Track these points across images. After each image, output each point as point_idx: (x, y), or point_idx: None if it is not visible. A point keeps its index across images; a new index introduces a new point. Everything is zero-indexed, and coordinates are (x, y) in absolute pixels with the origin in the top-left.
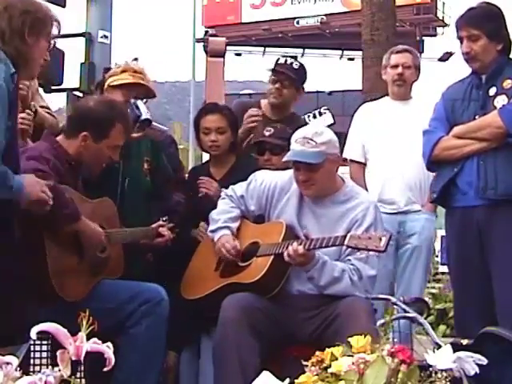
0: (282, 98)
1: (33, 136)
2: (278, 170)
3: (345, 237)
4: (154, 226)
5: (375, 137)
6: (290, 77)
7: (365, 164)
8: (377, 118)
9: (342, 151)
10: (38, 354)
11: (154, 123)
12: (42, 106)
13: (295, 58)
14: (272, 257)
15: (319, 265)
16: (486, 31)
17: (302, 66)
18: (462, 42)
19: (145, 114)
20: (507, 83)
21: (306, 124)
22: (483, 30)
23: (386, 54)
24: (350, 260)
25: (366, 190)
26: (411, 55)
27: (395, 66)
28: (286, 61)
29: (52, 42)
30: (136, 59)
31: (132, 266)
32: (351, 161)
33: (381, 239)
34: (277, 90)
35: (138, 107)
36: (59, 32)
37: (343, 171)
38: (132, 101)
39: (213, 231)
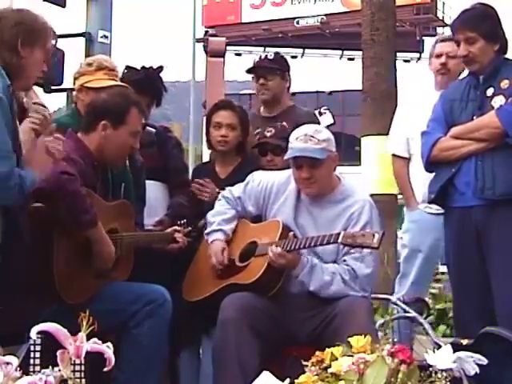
0: (271, 92)
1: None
2: (280, 171)
3: (338, 235)
4: (169, 230)
5: (419, 131)
6: (268, 68)
7: (409, 159)
8: (420, 111)
9: (340, 151)
10: (38, 354)
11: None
12: (36, 103)
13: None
14: None
15: (307, 269)
16: (482, 33)
17: (277, 54)
18: (459, 45)
19: None
20: (504, 83)
21: (308, 112)
22: (479, 32)
23: (433, 43)
24: (345, 260)
25: (410, 185)
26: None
27: (439, 56)
28: (260, 56)
29: (49, 52)
30: (161, 68)
31: None
32: (394, 156)
33: (374, 236)
34: (262, 86)
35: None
36: (56, 43)
37: (341, 171)
38: None
39: (207, 234)
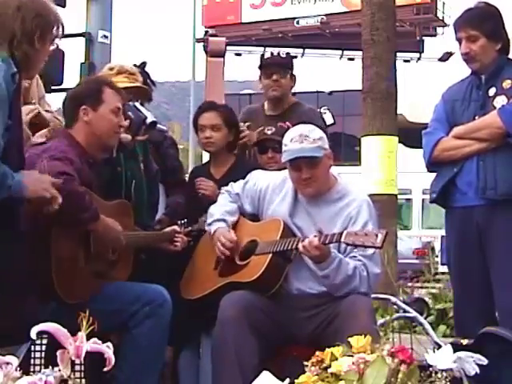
0: (282, 89)
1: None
2: (280, 168)
3: (341, 234)
4: (168, 229)
5: None
6: (282, 66)
7: None
8: None
9: (340, 151)
10: (38, 354)
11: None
12: (47, 111)
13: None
14: (270, 255)
15: (335, 264)
16: (485, 31)
17: (287, 53)
18: (460, 43)
19: (150, 117)
20: (507, 83)
21: (311, 109)
22: (481, 31)
23: None
24: (356, 256)
25: None
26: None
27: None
28: (272, 53)
29: (55, 44)
30: (144, 63)
31: None
32: None
33: (377, 236)
34: (275, 82)
35: (139, 109)
36: (63, 33)
37: (341, 171)
38: (131, 103)
39: (209, 224)
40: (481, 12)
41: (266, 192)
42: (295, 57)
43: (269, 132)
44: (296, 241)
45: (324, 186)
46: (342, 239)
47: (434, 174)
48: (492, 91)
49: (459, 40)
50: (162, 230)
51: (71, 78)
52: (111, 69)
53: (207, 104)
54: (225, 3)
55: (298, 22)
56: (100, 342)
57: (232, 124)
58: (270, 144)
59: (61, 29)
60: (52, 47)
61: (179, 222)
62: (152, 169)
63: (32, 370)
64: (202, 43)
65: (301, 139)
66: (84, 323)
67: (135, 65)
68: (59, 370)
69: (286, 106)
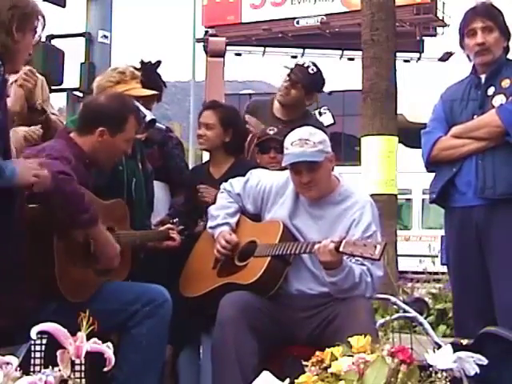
0: (288, 99)
1: (43, 137)
2: (282, 168)
3: (340, 243)
4: (163, 228)
5: None
6: (301, 79)
7: None
8: None
9: (340, 151)
10: (38, 354)
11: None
12: (53, 114)
13: (313, 63)
14: (269, 258)
15: (345, 273)
16: (499, 24)
17: (318, 71)
18: (472, 35)
19: (149, 115)
20: (505, 83)
21: (317, 122)
22: (497, 23)
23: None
24: (358, 260)
25: None
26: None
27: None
28: (304, 63)
29: (37, 36)
30: (159, 62)
31: None
32: None
33: (376, 247)
34: (285, 89)
35: (138, 108)
36: (43, 27)
37: (341, 171)
38: None
39: (212, 228)
40: (491, 7)
41: (270, 193)
42: (295, 57)
43: (271, 132)
44: (295, 245)
45: (326, 189)
46: (341, 249)
47: (434, 174)
48: (491, 90)
49: (472, 31)
50: (157, 229)
51: (71, 78)
52: (122, 73)
53: (209, 103)
54: (225, 3)
55: (297, 22)
56: (100, 342)
57: (229, 124)
58: (272, 144)
59: (41, 20)
60: (34, 39)
61: (171, 221)
62: (147, 168)
63: (32, 369)
64: (202, 43)
65: (301, 143)
66: (84, 323)
67: (146, 62)
68: (59, 370)
69: (296, 116)
